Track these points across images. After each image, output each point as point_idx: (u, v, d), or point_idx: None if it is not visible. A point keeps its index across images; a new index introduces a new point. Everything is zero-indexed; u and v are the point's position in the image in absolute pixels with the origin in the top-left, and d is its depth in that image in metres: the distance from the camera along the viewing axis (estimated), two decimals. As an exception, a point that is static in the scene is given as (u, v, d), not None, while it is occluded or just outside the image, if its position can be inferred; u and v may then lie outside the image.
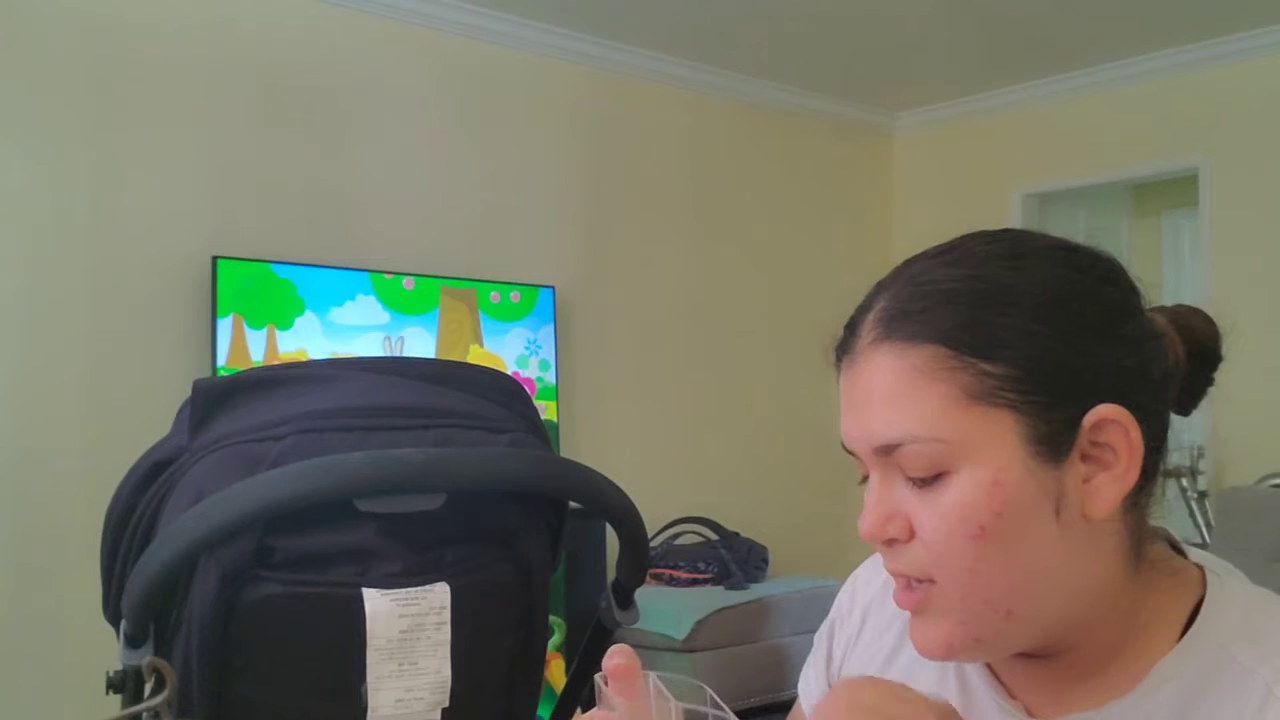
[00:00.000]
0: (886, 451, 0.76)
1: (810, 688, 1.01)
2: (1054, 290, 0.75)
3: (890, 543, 0.77)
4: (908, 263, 0.81)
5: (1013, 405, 0.73)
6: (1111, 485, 0.74)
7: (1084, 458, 0.74)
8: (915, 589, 0.77)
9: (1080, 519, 0.75)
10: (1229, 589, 0.79)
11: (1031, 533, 0.74)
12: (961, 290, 0.75)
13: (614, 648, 0.72)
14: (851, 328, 0.80)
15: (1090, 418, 0.73)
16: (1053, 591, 0.76)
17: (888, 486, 0.77)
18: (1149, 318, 0.79)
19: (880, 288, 0.80)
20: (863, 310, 0.80)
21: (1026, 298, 0.74)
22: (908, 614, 0.91)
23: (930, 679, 0.87)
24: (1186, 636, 0.77)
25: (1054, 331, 0.73)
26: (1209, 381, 0.83)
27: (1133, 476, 0.75)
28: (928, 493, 0.75)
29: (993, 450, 0.73)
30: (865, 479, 0.80)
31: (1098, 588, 0.77)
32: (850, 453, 0.80)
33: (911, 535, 0.76)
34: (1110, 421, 0.74)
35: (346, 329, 3.74)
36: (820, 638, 1.02)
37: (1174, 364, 0.79)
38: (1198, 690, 0.74)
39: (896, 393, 0.75)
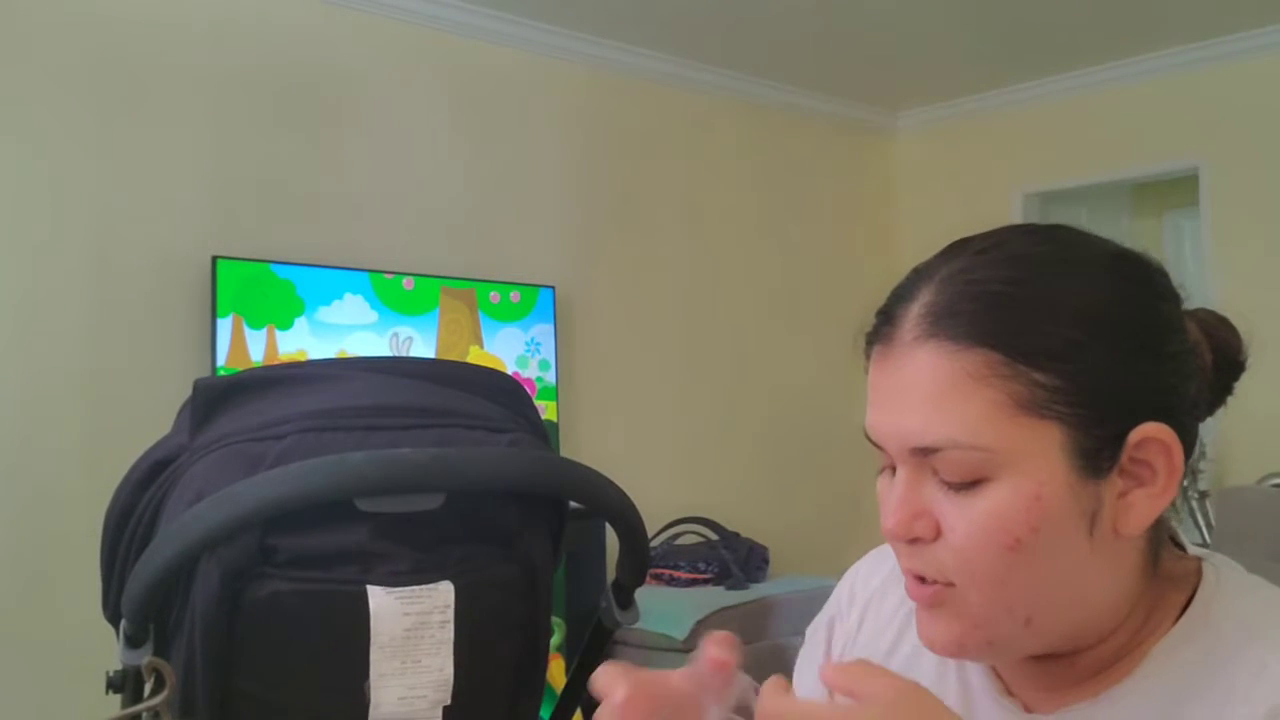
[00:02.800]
0: (923, 453, 0.74)
1: (804, 680, 1.00)
2: (1108, 303, 0.73)
3: (913, 541, 0.76)
4: (950, 254, 0.78)
5: (1061, 418, 0.71)
6: (1148, 502, 0.74)
7: (1121, 473, 0.73)
8: (930, 585, 0.76)
9: (1110, 534, 0.74)
10: (1224, 578, 0.79)
11: (1063, 547, 0.73)
12: (1016, 295, 0.73)
13: (719, 636, 0.70)
14: (889, 317, 0.77)
15: (1135, 435, 0.72)
16: (1074, 603, 0.75)
17: (917, 484, 0.75)
18: (1188, 329, 0.78)
19: (921, 277, 0.77)
20: (902, 300, 0.77)
21: (1082, 308, 0.72)
22: (907, 610, 0.91)
23: (929, 676, 0.87)
24: (1180, 623, 0.77)
25: (1107, 346, 0.72)
26: (1229, 391, 0.82)
27: (1170, 495, 0.74)
28: (962, 497, 0.73)
29: (1036, 462, 0.71)
30: (885, 469, 0.78)
31: (1115, 599, 0.76)
32: (874, 443, 0.78)
33: (937, 535, 0.74)
34: (1154, 440, 0.73)
35: (346, 329, 3.74)
36: (817, 632, 1.01)
37: (1205, 376, 0.79)
38: (1196, 676, 0.74)
39: (941, 394, 0.72)
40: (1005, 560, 0.72)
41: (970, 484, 0.72)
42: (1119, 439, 0.72)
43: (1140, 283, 0.76)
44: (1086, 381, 0.71)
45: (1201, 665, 0.74)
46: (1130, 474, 0.73)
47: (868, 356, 0.79)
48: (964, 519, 0.73)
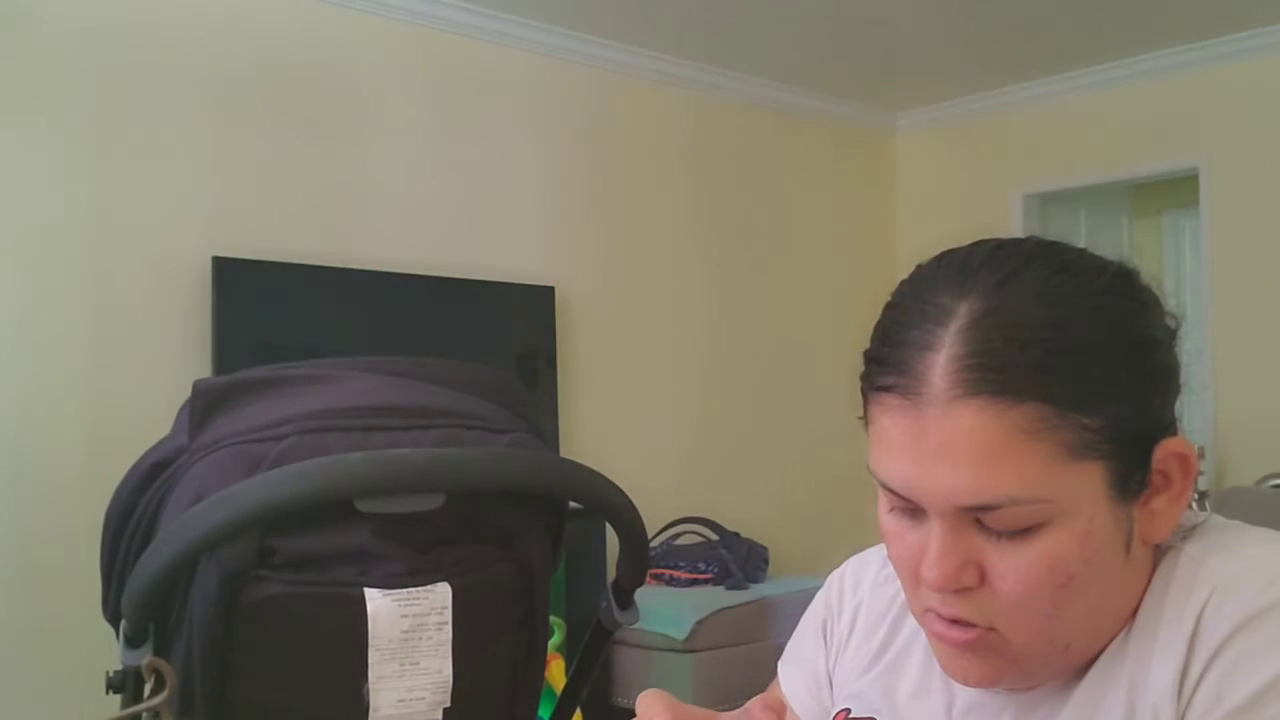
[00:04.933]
0: (975, 510, 0.72)
1: (798, 687, 1.00)
2: (1136, 335, 0.74)
3: (958, 590, 0.75)
4: (956, 288, 0.74)
5: (1105, 455, 0.72)
6: (1170, 507, 0.75)
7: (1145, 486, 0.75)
8: (970, 628, 0.75)
9: (1139, 545, 0.75)
10: (1187, 548, 0.79)
11: (1106, 571, 0.74)
12: (1056, 341, 0.71)
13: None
14: (906, 368, 0.73)
15: (1159, 452, 0.74)
16: (1107, 620, 0.76)
17: (959, 534, 0.73)
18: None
19: (930, 319, 0.73)
20: (917, 347, 0.73)
21: (1115, 345, 0.72)
22: (896, 610, 0.92)
23: (916, 673, 0.88)
24: (1152, 581, 0.78)
25: (1141, 378, 0.74)
26: None
27: (1188, 495, 0.75)
28: (1013, 544, 0.72)
29: (1086, 501, 0.72)
30: (894, 509, 0.77)
31: (1134, 603, 0.77)
32: (892, 491, 0.76)
33: (981, 582, 0.74)
34: (1174, 454, 0.75)
35: (345, 329, 3.74)
36: (811, 633, 1.01)
37: None
38: (1163, 608, 0.75)
39: (994, 453, 0.70)
40: (1056, 598, 0.73)
41: (1022, 531, 0.72)
42: (1148, 459, 0.74)
43: (1150, 305, 0.77)
44: (1125, 415, 0.72)
45: (1163, 597, 0.76)
46: (1151, 485, 0.75)
47: (866, 399, 0.77)
48: (1016, 565, 0.73)
